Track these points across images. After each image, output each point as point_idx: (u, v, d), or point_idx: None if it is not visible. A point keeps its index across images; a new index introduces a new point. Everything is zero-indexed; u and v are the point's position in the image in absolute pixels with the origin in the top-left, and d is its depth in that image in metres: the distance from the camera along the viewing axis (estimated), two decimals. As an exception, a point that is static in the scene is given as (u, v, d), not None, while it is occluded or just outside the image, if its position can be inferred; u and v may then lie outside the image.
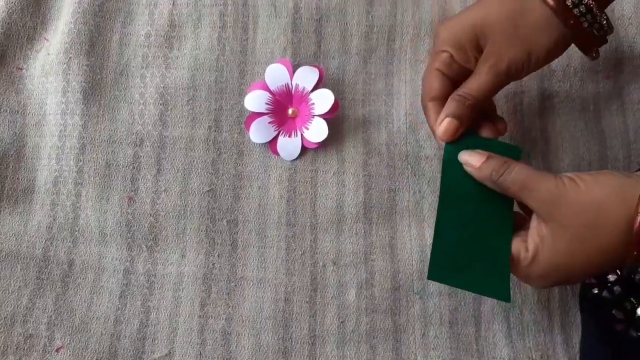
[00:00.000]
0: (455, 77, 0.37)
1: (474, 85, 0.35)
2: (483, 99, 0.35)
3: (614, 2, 0.46)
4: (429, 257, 0.41)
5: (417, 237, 0.42)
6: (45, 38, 0.47)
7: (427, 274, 0.34)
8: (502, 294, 0.33)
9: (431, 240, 0.41)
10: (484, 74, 0.35)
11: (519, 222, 0.35)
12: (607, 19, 0.35)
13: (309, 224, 0.42)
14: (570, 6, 0.34)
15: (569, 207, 0.31)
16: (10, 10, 0.46)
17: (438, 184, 0.43)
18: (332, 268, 0.42)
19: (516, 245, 0.33)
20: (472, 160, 0.34)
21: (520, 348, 0.40)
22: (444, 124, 0.35)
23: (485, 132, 0.37)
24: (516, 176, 0.32)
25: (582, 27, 0.34)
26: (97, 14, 0.46)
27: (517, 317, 0.41)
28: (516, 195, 0.33)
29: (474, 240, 0.34)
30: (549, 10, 0.34)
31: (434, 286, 0.41)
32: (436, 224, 0.35)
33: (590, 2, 0.34)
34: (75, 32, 0.45)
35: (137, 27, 0.46)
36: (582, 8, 0.34)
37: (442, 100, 0.36)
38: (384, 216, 0.42)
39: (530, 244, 0.32)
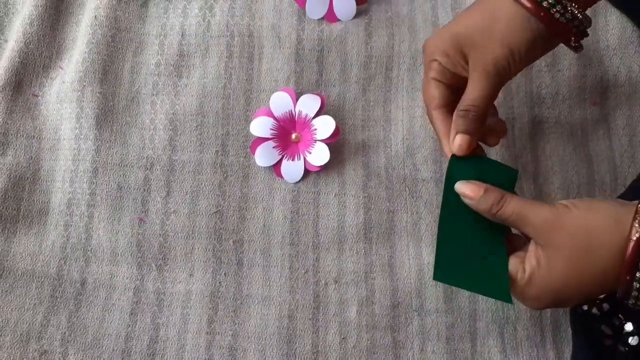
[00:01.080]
0: (450, 83, 0.39)
1: (472, 95, 0.36)
2: (485, 106, 0.37)
3: (599, 33, 0.49)
4: (426, 275, 0.43)
5: (415, 257, 0.44)
6: (60, 67, 0.49)
7: (432, 274, 0.36)
8: (503, 295, 0.34)
9: (428, 260, 0.44)
10: (477, 82, 0.36)
11: (518, 242, 0.36)
12: (581, 11, 0.35)
13: (311, 243, 0.44)
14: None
15: (564, 230, 0.32)
16: (28, 41, 0.48)
17: (435, 205, 0.45)
18: (333, 286, 0.43)
19: (514, 264, 0.34)
20: (468, 191, 0.35)
21: (514, 363, 0.42)
22: (457, 141, 0.37)
23: (489, 138, 0.39)
24: (513, 209, 0.34)
25: (554, 19, 0.35)
26: (110, 44, 0.49)
27: (511, 333, 0.42)
28: (513, 225, 0.34)
29: (474, 244, 0.36)
30: (519, 7, 0.35)
31: (432, 303, 0.43)
32: (439, 228, 0.36)
33: None
34: (89, 61, 0.48)
35: (147, 56, 0.49)
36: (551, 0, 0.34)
37: (445, 107, 0.38)
38: (384, 236, 0.44)
39: (527, 265, 0.34)
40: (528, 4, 0.35)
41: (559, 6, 0.34)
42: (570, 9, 0.35)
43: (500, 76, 0.37)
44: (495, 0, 0.36)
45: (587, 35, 0.37)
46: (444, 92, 0.39)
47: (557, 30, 0.35)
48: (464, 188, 0.35)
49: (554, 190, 0.45)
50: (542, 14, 0.34)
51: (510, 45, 0.36)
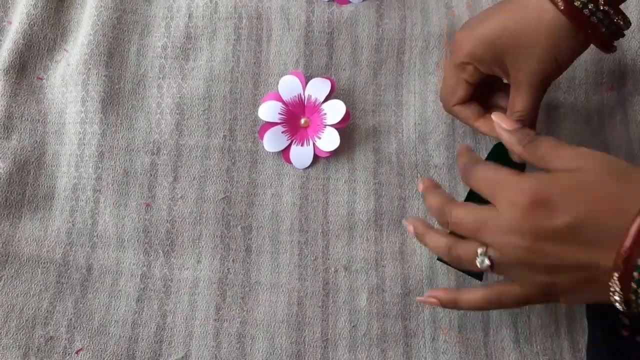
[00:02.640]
0: (478, 82, 0.40)
1: (522, 107, 0.37)
2: (535, 113, 0.37)
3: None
4: (438, 263, 0.42)
5: (426, 244, 0.43)
6: (65, 49, 0.48)
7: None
8: None
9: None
10: (525, 93, 0.37)
11: None
12: (621, 13, 0.35)
13: (320, 230, 0.43)
14: (580, 7, 0.34)
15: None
16: (32, 22, 0.47)
17: (447, 192, 0.44)
18: (343, 274, 0.43)
19: None
20: (504, 123, 0.34)
21: (527, 353, 0.41)
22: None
23: (501, 99, 0.41)
24: (542, 143, 0.32)
25: (592, 25, 0.34)
26: (116, 26, 0.48)
27: (525, 323, 0.42)
28: (541, 161, 0.32)
29: None
30: (561, 15, 0.34)
31: (443, 292, 0.42)
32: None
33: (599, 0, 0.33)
34: (94, 44, 0.47)
35: (154, 39, 0.48)
36: (591, 7, 0.34)
37: (466, 102, 0.40)
38: (395, 223, 0.44)
39: None
40: (565, 9, 0.34)
41: (599, 13, 0.34)
42: (611, 16, 0.34)
43: (547, 85, 0.37)
44: (535, 4, 0.35)
45: (623, 36, 0.36)
46: (469, 92, 0.40)
47: (596, 37, 0.35)
48: (499, 119, 0.34)
49: (569, 177, 0.44)
50: (584, 20, 0.34)
51: (557, 58, 0.35)
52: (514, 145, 0.33)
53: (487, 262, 0.31)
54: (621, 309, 0.29)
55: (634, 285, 0.27)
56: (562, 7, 0.34)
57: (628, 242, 0.27)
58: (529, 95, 0.37)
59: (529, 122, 0.37)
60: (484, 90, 0.41)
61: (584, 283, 0.30)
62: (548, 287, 0.31)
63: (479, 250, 0.32)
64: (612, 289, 0.28)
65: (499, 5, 0.38)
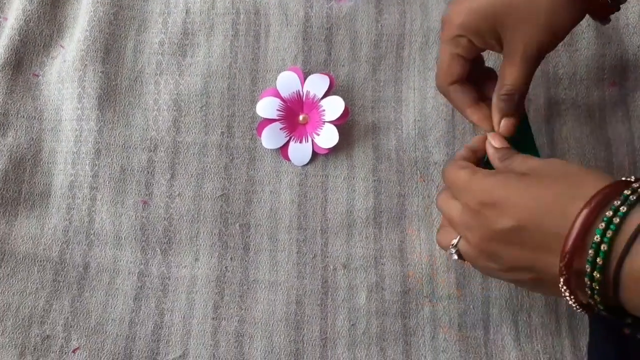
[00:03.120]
0: (473, 58, 0.38)
1: (513, 78, 0.35)
2: (526, 88, 0.36)
3: (619, 12, 0.47)
4: (438, 261, 0.42)
5: (426, 242, 0.43)
6: (61, 45, 0.48)
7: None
8: None
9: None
10: (518, 65, 0.35)
11: None
12: None
13: (319, 228, 0.43)
14: None
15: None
16: (28, 18, 0.47)
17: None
18: (342, 271, 0.42)
19: None
20: (495, 141, 0.36)
21: (528, 351, 0.41)
22: (504, 126, 0.36)
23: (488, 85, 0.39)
24: (516, 159, 0.34)
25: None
26: (112, 22, 0.47)
27: (525, 321, 0.41)
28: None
29: None
30: None
31: (443, 290, 0.42)
32: None
33: None
34: (90, 40, 0.46)
35: (151, 35, 0.47)
36: None
37: (462, 81, 0.38)
38: (394, 221, 0.43)
39: None
40: None
41: None
42: None
43: (540, 59, 0.36)
44: None
45: (619, 10, 0.35)
46: (465, 68, 0.37)
47: (597, 9, 0.34)
48: (493, 138, 0.36)
49: (570, 174, 0.44)
50: None
51: (554, 30, 0.34)
52: (495, 160, 0.36)
53: (455, 255, 0.34)
54: (579, 311, 0.29)
55: (587, 290, 0.27)
56: None
57: (568, 246, 0.27)
58: (521, 67, 0.35)
59: (517, 96, 0.36)
60: (476, 81, 0.39)
61: (540, 283, 0.30)
62: (511, 282, 0.32)
63: (454, 241, 0.34)
64: (564, 295, 0.28)
65: None
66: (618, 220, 0.26)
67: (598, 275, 0.26)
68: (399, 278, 0.42)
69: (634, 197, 0.26)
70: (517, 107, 0.36)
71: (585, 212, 0.26)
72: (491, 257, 0.32)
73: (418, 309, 0.42)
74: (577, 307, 0.28)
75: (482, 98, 0.39)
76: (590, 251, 0.26)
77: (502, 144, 0.36)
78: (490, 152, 0.36)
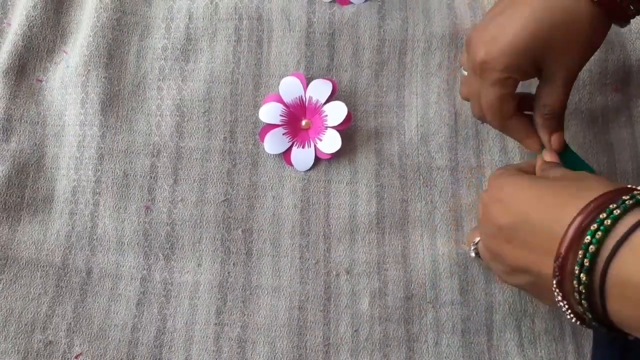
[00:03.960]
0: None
1: (555, 99, 0.36)
2: (566, 104, 0.37)
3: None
4: (441, 266, 0.42)
5: (429, 247, 0.43)
6: (64, 51, 0.48)
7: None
8: None
9: (443, 250, 0.42)
10: (560, 87, 0.36)
11: None
12: None
13: (322, 233, 0.43)
14: None
15: None
16: (31, 24, 0.47)
17: (450, 194, 0.44)
18: (345, 277, 0.42)
19: None
20: (549, 157, 0.38)
21: (532, 357, 0.40)
22: (555, 141, 0.37)
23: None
24: (550, 170, 0.36)
25: (622, 8, 0.34)
26: (115, 28, 0.47)
27: (529, 326, 0.41)
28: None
29: None
30: (595, 6, 0.33)
31: (447, 295, 0.42)
32: None
33: None
34: (94, 45, 0.46)
35: (154, 40, 0.48)
36: None
37: (516, 114, 0.38)
38: (397, 226, 0.43)
39: None
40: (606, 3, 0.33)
41: None
42: None
43: (577, 76, 0.37)
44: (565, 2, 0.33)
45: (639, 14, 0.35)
46: (515, 102, 0.37)
47: (621, 17, 0.34)
48: (549, 156, 0.38)
49: (573, 179, 0.44)
50: (617, 10, 0.33)
51: (592, 47, 0.35)
52: (538, 171, 0.37)
53: (472, 253, 0.36)
54: (574, 321, 0.28)
55: (575, 294, 0.26)
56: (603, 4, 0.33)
57: (563, 247, 0.26)
58: (563, 89, 0.36)
59: (563, 111, 0.37)
60: None
61: (537, 289, 0.30)
62: (516, 287, 0.33)
63: (476, 239, 0.36)
64: (557, 299, 0.28)
65: (511, 5, 0.35)
66: (609, 222, 0.25)
67: (584, 278, 0.25)
68: (402, 284, 0.42)
69: (630, 202, 0.26)
70: (561, 122, 0.38)
71: (582, 214, 0.26)
72: (496, 257, 0.33)
73: (421, 315, 0.41)
74: (570, 314, 0.28)
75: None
76: (580, 252, 0.26)
77: (554, 158, 0.37)
78: (538, 164, 0.37)
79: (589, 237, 0.25)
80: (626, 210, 0.25)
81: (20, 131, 0.45)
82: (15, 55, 0.46)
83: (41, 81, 0.47)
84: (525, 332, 0.41)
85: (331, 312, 0.41)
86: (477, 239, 0.36)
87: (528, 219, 0.29)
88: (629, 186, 0.27)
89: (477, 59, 0.35)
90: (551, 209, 0.29)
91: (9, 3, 0.49)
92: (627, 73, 0.46)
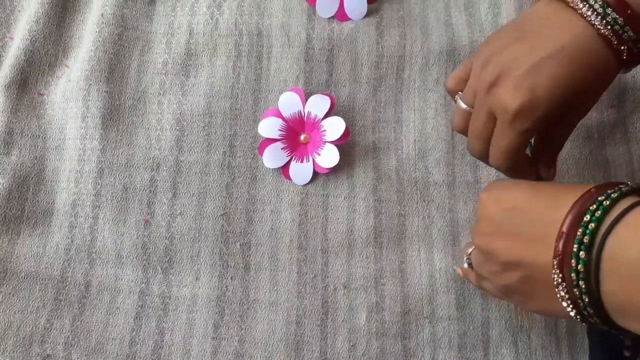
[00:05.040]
0: None
1: (564, 139, 0.37)
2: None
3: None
4: (438, 281, 0.42)
5: (426, 262, 0.43)
6: (66, 65, 0.48)
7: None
8: None
9: (440, 265, 0.43)
10: (571, 128, 0.36)
11: None
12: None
13: (320, 247, 0.43)
14: (636, 51, 0.32)
15: None
16: (34, 39, 0.48)
17: (447, 209, 0.44)
18: (342, 292, 0.42)
19: None
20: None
21: (528, 373, 0.40)
22: (553, 172, 0.38)
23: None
24: None
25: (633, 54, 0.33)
26: (117, 43, 0.48)
27: (525, 342, 0.41)
28: None
29: None
30: (611, 51, 0.31)
31: (443, 311, 0.42)
32: None
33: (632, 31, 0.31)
34: (95, 60, 0.47)
35: (155, 55, 0.48)
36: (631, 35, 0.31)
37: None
38: (394, 241, 0.43)
39: None
40: (625, 53, 0.32)
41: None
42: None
43: None
44: (587, 47, 0.31)
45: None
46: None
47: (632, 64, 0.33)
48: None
49: (570, 194, 0.44)
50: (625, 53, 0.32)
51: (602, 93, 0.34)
52: None
53: (465, 263, 0.36)
54: (575, 318, 0.28)
55: (573, 275, 0.27)
56: (626, 56, 0.32)
57: (565, 226, 0.27)
58: (569, 133, 0.37)
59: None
60: None
61: (528, 282, 0.30)
62: (506, 293, 0.33)
63: (469, 250, 0.36)
64: (556, 282, 0.28)
65: (547, 50, 0.32)
66: (608, 203, 0.27)
67: (583, 255, 0.26)
68: (399, 298, 0.42)
69: (626, 189, 0.27)
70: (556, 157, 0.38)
71: (583, 197, 0.28)
72: (487, 256, 0.32)
73: (418, 330, 0.41)
74: (568, 300, 0.28)
75: None
76: (579, 230, 0.27)
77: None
78: None
79: (588, 217, 0.27)
80: (623, 194, 0.27)
81: (21, 145, 0.46)
82: (17, 69, 0.47)
83: (43, 95, 0.48)
84: (521, 347, 0.41)
85: (328, 326, 0.42)
86: (471, 249, 0.36)
87: (523, 208, 0.30)
88: (627, 182, 0.29)
89: (511, 106, 0.31)
90: (548, 199, 0.29)
91: (12, 17, 0.50)
92: (622, 89, 0.47)
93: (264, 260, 0.43)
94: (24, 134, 0.46)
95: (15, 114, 0.46)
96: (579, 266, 0.27)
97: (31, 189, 0.45)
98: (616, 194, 0.27)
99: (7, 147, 0.45)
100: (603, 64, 0.32)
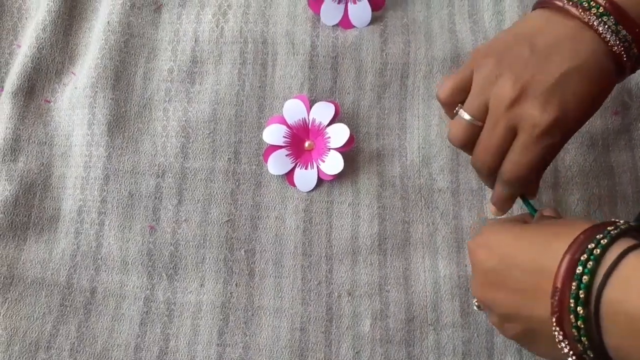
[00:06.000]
0: None
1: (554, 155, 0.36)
2: None
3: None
4: (442, 288, 0.42)
5: (430, 269, 0.43)
6: (72, 72, 0.49)
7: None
8: None
9: (444, 272, 0.43)
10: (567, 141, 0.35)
11: None
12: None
13: (324, 254, 0.43)
14: (631, 56, 0.32)
15: None
16: (41, 46, 0.48)
17: (451, 216, 0.44)
18: (347, 299, 0.42)
19: None
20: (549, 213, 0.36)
21: (533, 381, 0.40)
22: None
23: None
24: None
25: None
26: (123, 50, 0.48)
27: (530, 350, 0.41)
28: None
29: None
30: (616, 69, 0.32)
31: (448, 318, 0.42)
32: None
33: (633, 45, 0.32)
34: (101, 67, 0.47)
35: (160, 62, 0.48)
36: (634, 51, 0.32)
37: None
38: (398, 248, 0.43)
39: None
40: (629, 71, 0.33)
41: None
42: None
43: None
44: (602, 63, 0.31)
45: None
46: None
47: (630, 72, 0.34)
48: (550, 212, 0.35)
49: (574, 201, 0.44)
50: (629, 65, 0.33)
51: None
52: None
53: (474, 306, 0.35)
54: None
55: (574, 331, 0.26)
56: (628, 72, 0.33)
57: (559, 279, 0.26)
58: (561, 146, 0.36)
59: None
60: None
61: (529, 335, 0.29)
62: (512, 338, 0.31)
63: None
64: (558, 339, 0.27)
65: (568, 65, 0.31)
66: (598, 251, 0.25)
67: (581, 311, 0.25)
68: (404, 306, 0.42)
69: (615, 232, 0.26)
70: None
71: (573, 246, 0.26)
72: (488, 307, 0.32)
73: (422, 337, 0.41)
74: (573, 356, 0.27)
75: None
76: (574, 284, 0.26)
77: (553, 212, 0.35)
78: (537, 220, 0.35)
79: (580, 268, 0.25)
80: (613, 239, 0.26)
81: (28, 151, 0.46)
82: (24, 76, 0.47)
83: (49, 102, 0.48)
84: (525, 354, 0.41)
85: (333, 333, 0.42)
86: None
87: (514, 260, 0.29)
88: (612, 220, 0.28)
89: (543, 121, 0.31)
90: (538, 248, 0.28)
91: (20, 25, 0.50)
92: (626, 97, 0.47)
93: (269, 267, 0.43)
94: (30, 141, 0.46)
95: (22, 121, 0.46)
96: (579, 322, 0.25)
97: (38, 195, 0.45)
98: (606, 240, 0.26)
99: (14, 153, 0.46)
100: (610, 79, 0.32)
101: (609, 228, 0.26)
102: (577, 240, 0.27)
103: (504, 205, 0.36)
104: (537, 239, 0.29)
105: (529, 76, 0.32)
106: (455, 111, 0.36)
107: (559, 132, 0.32)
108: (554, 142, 0.32)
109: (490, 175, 0.35)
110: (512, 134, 0.33)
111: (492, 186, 0.36)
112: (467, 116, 0.34)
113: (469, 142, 0.35)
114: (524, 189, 0.35)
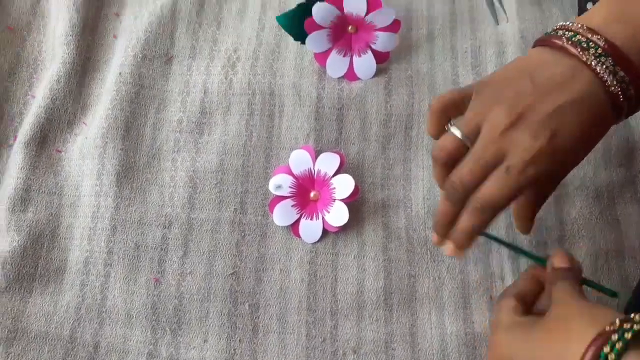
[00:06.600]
0: None
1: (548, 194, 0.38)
2: None
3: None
4: (449, 346, 0.41)
5: (437, 325, 0.42)
6: (84, 122, 0.50)
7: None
8: None
9: (451, 329, 0.42)
10: (557, 181, 0.37)
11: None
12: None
13: (329, 309, 0.43)
14: (628, 96, 0.33)
15: None
16: (54, 97, 0.49)
17: (457, 270, 0.44)
18: (352, 356, 0.42)
19: None
20: (563, 262, 0.36)
21: None
22: None
23: None
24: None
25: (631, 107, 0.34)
26: (134, 101, 0.49)
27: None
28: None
29: None
30: (612, 109, 0.33)
31: (455, 376, 0.41)
32: None
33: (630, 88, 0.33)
34: (112, 118, 0.48)
35: (170, 113, 0.49)
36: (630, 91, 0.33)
37: None
38: (405, 302, 0.43)
39: None
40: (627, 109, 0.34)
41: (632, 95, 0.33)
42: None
43: None
44: (599, 99, 0.33)
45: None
46: None
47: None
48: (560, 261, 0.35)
49: (581, 256, 0.44)
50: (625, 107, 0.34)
51: None
52: (547, 284, 0.35)
53: None
54: None
55: None
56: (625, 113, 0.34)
57: None
58: (557, 184, 0.38)
59: None
60: None
61: None
62: None
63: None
64: None
65: (566, 97, 0.33)
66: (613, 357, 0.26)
67: None
68: (410, 363, 0.41)
69: (620, 346, 0.26)
70: None
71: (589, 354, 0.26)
72: None
73: (429, 396, 0.41)
74: None
75: None
76: None
77: (565, 262, 0.35)
78: (549, 275, 0.35)
79: None
80: (619, 354, 0.26)
81: (37, 201, 0.46)
82: (37, 126, 0.48)
83: (60, 152, 0.49)
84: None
85: (337, 392, 0.41)
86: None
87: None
88: (624, 317, 0.27)
89: (532, 146, 0.32)
90: (551, 353, 0.29)
91: (35, 76, 0.52)
92: (631, 150, 0.47)
93: (273, 323, 0.43)
94: (40, 191, 0.47)
95: (33, 171, 0.47)
96: None
97: (45, 246, 0.45)
98: (614, 356, 0.26)
99: (24, 204, 0.46)
100: (605, 118, 0.34)
101: (612, 337, 0.26)
102: (588, 349, 0.27)
103: (465, 241, 0.35)
104: (550, 344, 0.29)
105: (526, 106, 0.33)
106: (446, 128, 0.36)
107: (546, 162, 0.32)
108: (539, 172, 0.32)
109: (460, 200, 0.34)
110: (499, 160, 0.33)
111: (449, 219, 0.36)
112: (459, 133, 0.35)
113: (452, 160, 0.35)
114: (489, 221, 0.35)
